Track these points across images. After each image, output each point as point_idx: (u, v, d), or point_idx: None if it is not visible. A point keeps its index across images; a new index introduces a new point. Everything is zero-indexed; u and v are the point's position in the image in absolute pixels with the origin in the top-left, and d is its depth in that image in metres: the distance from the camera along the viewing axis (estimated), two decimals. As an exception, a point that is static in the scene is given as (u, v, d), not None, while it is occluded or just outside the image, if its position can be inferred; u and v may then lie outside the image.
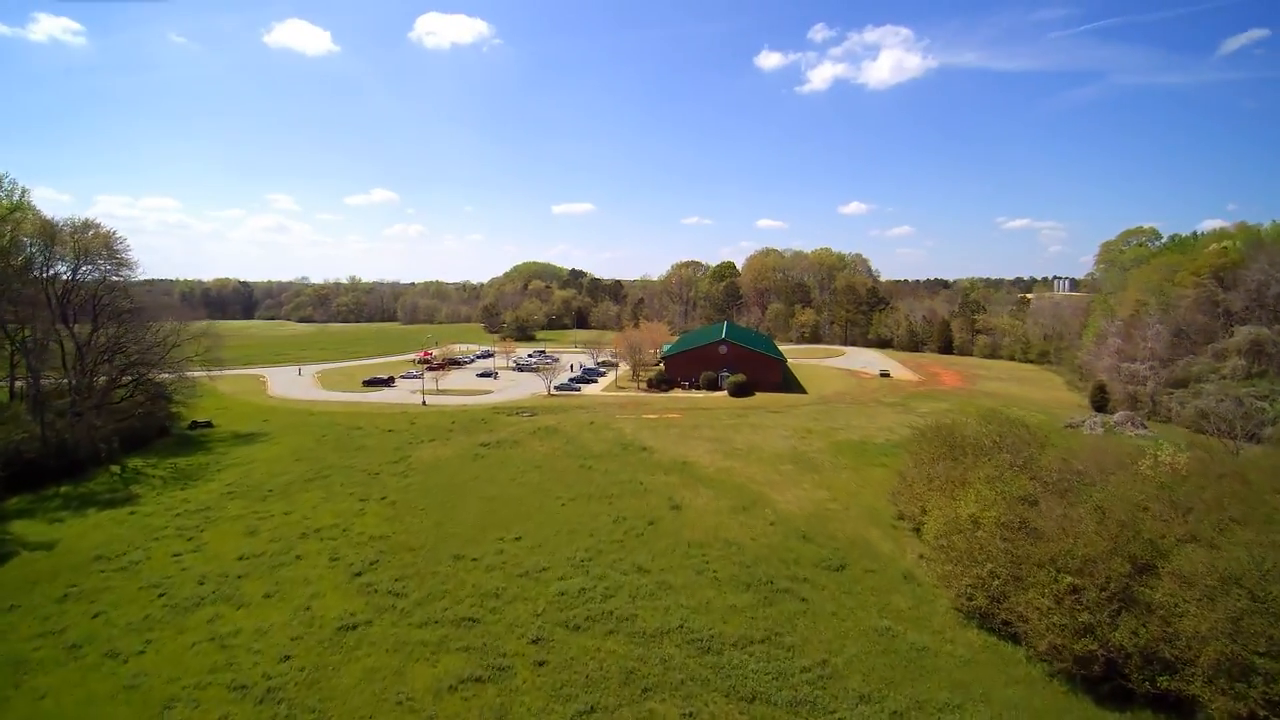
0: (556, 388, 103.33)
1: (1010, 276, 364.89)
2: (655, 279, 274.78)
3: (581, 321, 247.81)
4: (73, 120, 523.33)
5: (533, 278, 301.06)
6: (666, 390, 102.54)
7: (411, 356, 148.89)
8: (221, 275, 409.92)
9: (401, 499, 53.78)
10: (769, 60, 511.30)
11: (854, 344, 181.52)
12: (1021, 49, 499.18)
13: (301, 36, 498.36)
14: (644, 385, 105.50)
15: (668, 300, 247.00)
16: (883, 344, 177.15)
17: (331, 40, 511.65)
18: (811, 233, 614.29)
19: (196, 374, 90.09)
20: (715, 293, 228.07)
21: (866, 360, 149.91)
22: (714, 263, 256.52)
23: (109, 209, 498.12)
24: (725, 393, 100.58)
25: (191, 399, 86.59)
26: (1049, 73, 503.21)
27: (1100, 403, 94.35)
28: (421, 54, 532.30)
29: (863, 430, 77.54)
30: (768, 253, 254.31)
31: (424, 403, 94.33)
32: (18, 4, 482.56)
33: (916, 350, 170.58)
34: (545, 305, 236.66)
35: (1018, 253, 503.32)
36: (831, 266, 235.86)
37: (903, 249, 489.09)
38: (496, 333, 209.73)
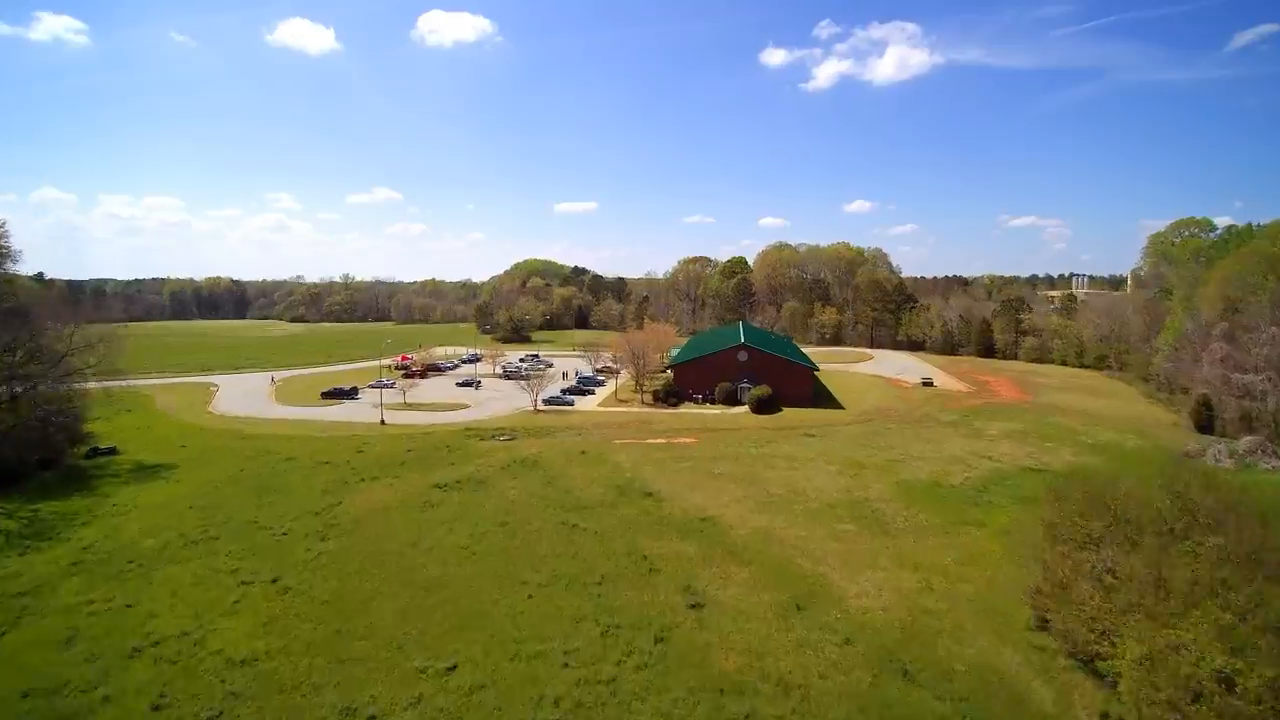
0: (546, 401, 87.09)
1: (1016, 274, 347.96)
2: (661, 276, 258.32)
3: (582, 321, 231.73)
4: (75, 119, 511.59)
5: (533, 275, 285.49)
6: (675, 405, 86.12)
7: (390, 361, 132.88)
8: (217, 274, 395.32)
9: (301, 582, 37.52)
10: (774, 57, 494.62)
11: (881, 346, 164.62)
12: (1024, 45, 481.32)
13: (303, 35, 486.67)
14: (649, 398, 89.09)
15: (674, 298, 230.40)
16: (913, 346, 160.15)
17: (334, 38, 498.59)
18: (814, 231, 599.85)
19: (118, 383, 74.68)
20: (726, 290, 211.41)
21: (901, 366, 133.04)
22: (720, 260, 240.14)
23: (112, 208, 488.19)
24: (746, 408, 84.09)
25: (91, 417, 70.57)
26: (1052, 70, 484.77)
27: (1205, 423, 77.51)
28: (424, 52, 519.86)
29: (930, 464, 60.89)
30: (781, 247, 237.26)
31: (383, 421, 78.18)
32: (20, 3, 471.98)
33: (953, 353, 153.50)
34: (543, 304, 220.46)
35: (1020, 250, 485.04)
36: (850, 262, 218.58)
37: (904, 247, 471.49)
38: (490, 333, 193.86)
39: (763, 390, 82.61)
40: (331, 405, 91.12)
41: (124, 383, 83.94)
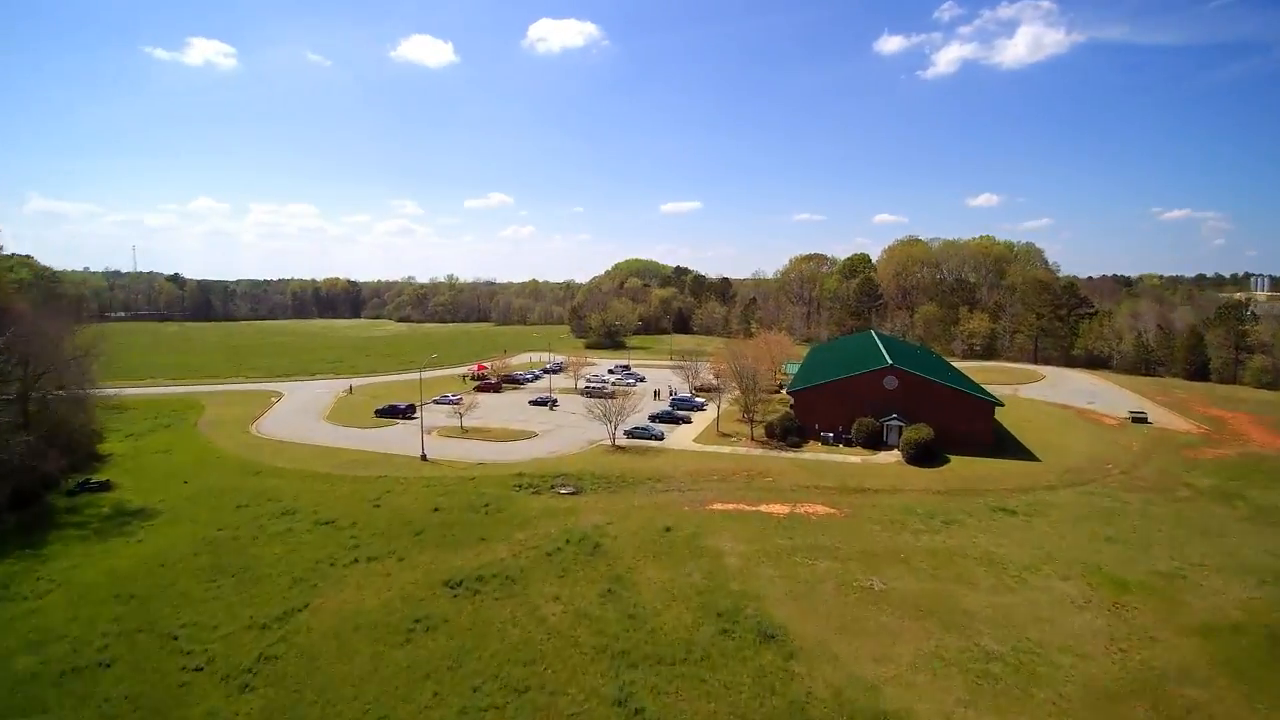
0: (629, 434, 68.58)
1: (1179, 274, 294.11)
2: (771, 276, 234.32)
3: (682, 325, 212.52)
4: (226, 135, 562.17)
5: (631, 276, 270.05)
6: (797, 446, 64.76)
7: (465, 370, 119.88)
8: (335, 275, 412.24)
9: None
10: (889, 45, 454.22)
11: (1048, 362, 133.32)
12: (1175, 19, 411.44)
13: (424, 50, 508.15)
14: (760, 432, 68.30)
15: (785, 301, 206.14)
16: (1092, 363, 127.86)
17: (453, 51, 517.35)
18: (935, 227, 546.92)
19: (180, 389, 63.91)
20: (846, 292, 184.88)
21: (1088, 390, 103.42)
22: (838, 258, 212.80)
23: (259, 217, 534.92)
24: (897, 456, 61.50)
25: (123, 431, 59.64)
26: (1206, 45, 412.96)
27: None
28: (535, 60, 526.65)
29: (1235, 581, 36.45)
30: (911, 242, 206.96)
31: (424, 456, 62.58)
32: (174, 29, 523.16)
33: (1150, 373, 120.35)
34: (639, 306, 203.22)
35: (1171, 246, 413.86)
36: (999, 258, 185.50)
37: (1038, 244, 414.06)
38: (583, 337, 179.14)
39: (922, 432, 59.58)
40: (382, 428, 77.33)
41: (186, 389, 74.19)
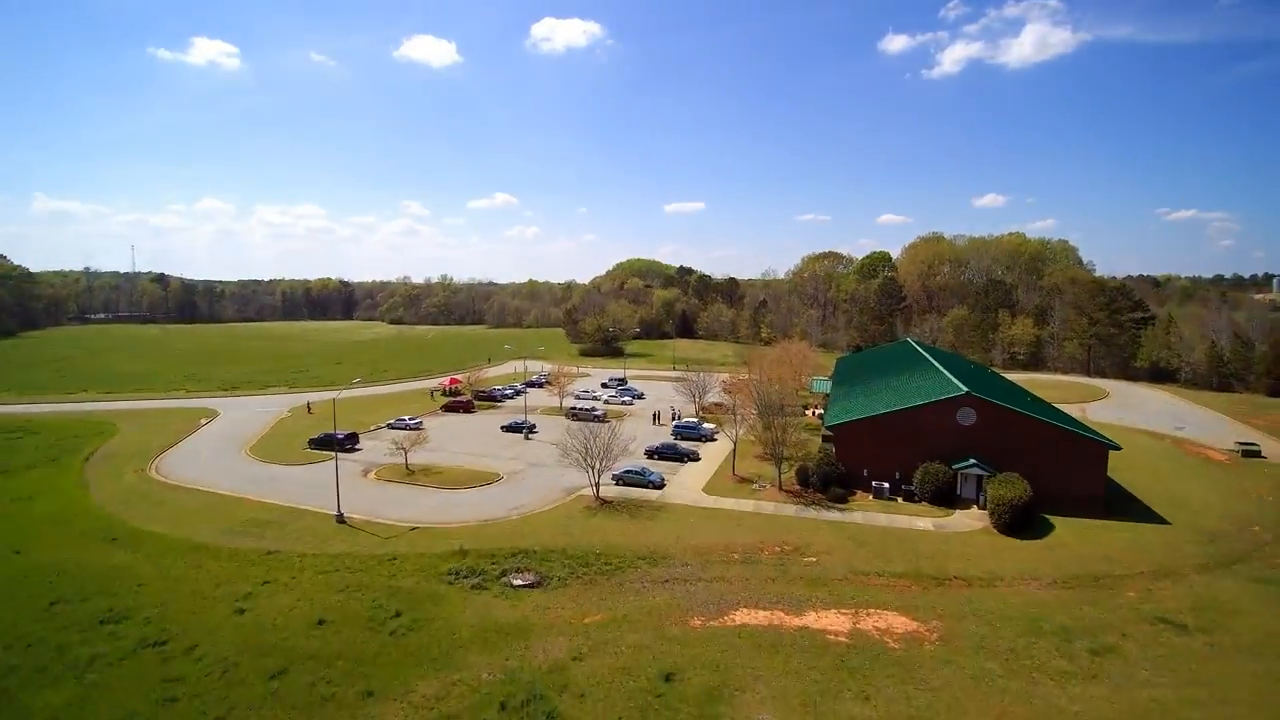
0: (618, 478, 52.76)
1: (1197, 274, 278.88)
2: (782, 276, 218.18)
3: (686, 329, 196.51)
4: (231, 136, 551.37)
5: (633, 276, 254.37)
6: (840, 501, 48.68)
7: (436, 384, 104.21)
8: (327, 275, 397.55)
9: None
10: (894, 44, 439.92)
11: (1101, 374, 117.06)
12: (1183, 18, 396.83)
13: (428, 50, 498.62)
14: (790, 477, 52.33)
15: (797, 303, 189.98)
16: (1156, 376, 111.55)
17: (456, 51, 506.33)
18: (941, 228, 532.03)
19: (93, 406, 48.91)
20: (866, 293, 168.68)
21: (1166, 410, 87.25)
22: (854, 256, 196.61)
23: (268, 217, 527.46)
24: (979, 518, 45.60)
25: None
26: (1218, 44, 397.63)
27: None
28: (538, 59, 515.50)
29: None
30: (935, 240, 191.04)
31: (341, 517, 46.74)
32: (178, 29, 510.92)
33: (1226, 389, 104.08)
34: (640, 309, 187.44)
35: (1178, 247, 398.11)
36: (1034, 257, 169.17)
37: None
38: (578, 343, 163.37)
39: (1016, 489, 43.51)
40: (313, 464, 61.69)
41: (109, 405, 59.33)
